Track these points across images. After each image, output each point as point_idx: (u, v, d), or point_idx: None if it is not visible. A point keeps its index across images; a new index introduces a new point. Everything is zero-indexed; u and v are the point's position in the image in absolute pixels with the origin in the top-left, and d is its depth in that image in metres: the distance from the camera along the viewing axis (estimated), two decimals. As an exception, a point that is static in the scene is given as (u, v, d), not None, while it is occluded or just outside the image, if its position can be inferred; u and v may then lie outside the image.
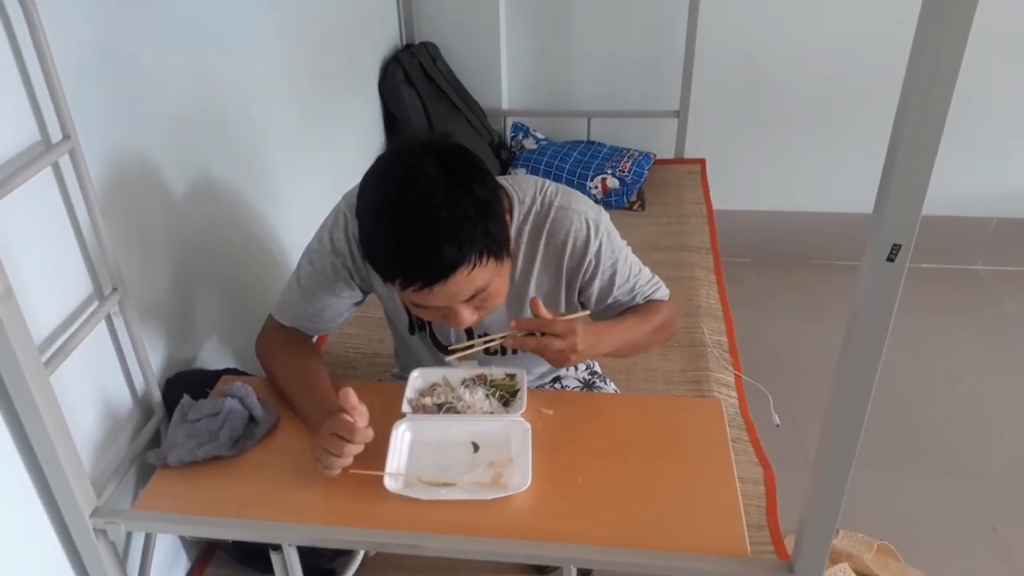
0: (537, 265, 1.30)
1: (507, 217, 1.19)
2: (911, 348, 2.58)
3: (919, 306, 2.77)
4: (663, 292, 1.41)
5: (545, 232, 1.27)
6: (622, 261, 1.32)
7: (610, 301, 1.35)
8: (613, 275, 1.32)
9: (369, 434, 1.10)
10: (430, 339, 1.42)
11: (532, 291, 1.32)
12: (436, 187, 1.04)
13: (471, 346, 1.26)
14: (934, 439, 2.29)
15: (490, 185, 1.12)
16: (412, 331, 1.42)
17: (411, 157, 1.09)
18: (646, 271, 1.39)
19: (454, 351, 1.25)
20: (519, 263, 1.30)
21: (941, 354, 2.65)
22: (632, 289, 1.36)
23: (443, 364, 1.42)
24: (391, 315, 1.44)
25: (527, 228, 1.28)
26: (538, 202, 1.28)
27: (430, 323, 1.40)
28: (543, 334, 1.18)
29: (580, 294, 1.35)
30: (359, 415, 1.10)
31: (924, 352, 2.62)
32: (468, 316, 1.16)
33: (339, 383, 1.27)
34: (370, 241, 1.11)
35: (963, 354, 2.66)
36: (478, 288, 1.12)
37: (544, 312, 1.18)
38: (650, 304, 1.38)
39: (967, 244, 3.10)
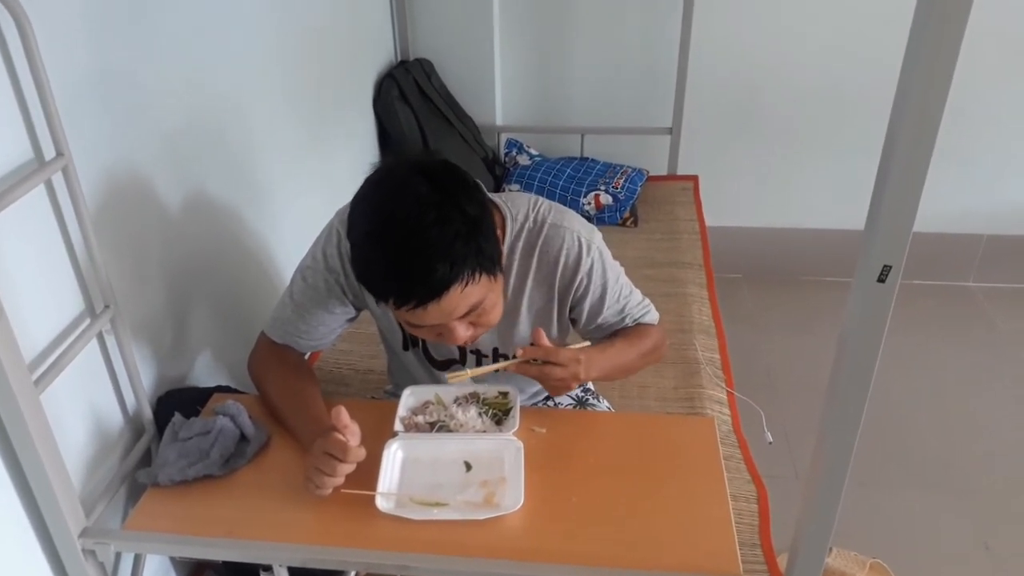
0: (529, 282, 1.30)
1: (499, 232, 1.19)
2: (902, 364, 2.59)
3: (910, 323, 2.77)
4: (653, 316, 1.41)
5: (538, 249, 1.27)
6: (613, 282, 1.32)
7: (599, 321, 1.35)
8: (604, 295, 1.31)
9: (361, 453, 1.10)
10: (424, 355, 1.42)
11: (524, 308, 1.32)
12: (426, 205, 1.04)
13: (468, 372, 1.25)
14: (926, 456, 2.29)
15: (480, 200, 1.12)
16: (406, 347, 1.42)
17: (399, 177, 1.09)
18: (637, 293, 1.39)
19: (454, 376, 1.23)
20: (511, 280, 1.29)
21: (932, 370, 2.66)
22: (622, 311, 1.36)
23: (437, 380, 1.43)
24: (385, 332, 1.44)
25: (519, 245, 1.28)
26: (531, 219, 1.28)
27: (424, 349, 1.40)
28: (544, 362, 1.19)
29: (571, 312, 1.35)
30: (351, 434, 1.10)
31: (915, 368, 2.63)
32: (463, 333, 1.16)
33: (332, 401, 1.27)
34: (362, 263, 1.11)
35: (954, 370, 2.67)
36: (472, 305, 1.12)
37: (546, 341, 1.19)
38: (639, 328, 1.38)
39: (958, 261, 3.12)
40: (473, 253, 1.07)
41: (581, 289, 1.30)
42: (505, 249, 1.26)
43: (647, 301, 1.41)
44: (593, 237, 1.29)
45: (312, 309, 1.32)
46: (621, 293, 1.34)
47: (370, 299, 1.29)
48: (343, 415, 1.09)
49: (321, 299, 1.31)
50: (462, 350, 1.39)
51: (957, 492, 2.16)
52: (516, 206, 1.29)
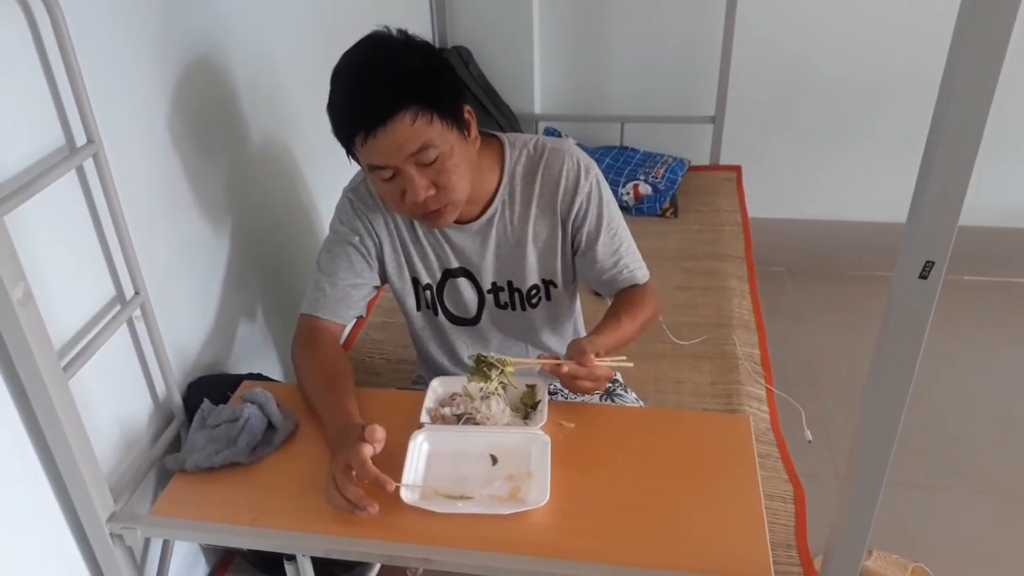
0: (533, 209, 1.35)
1: (496, 160, 1.33)
2: (949, 362, 2.51)
3: (957, 319, 2.69)
4: (645, 272, 1.43)
5: (539, 173, 1.33)
6: (609, 215, 1.36)
7: (596, 252, 1.37)
8: (600, 225, 1.35)
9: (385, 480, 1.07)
10: (441, 310, 1.45)
11: (531, 239, 1.37)
12: (388, 46, 1.17)
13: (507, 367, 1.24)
14: (973, 457, 2.21)
15: (444, 62, 1.22)
16: (419, 307, 1.46)
17: (378, 31, 1.20)
18: (633, 243, 1.41)
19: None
20: (516, 207, 1.35)
21: (981, 369, 2.57)
22: (616, 252, 1.38)
23: (452, 347, 1.49)
24: (400, 294, 1.46)
25: (519, 170, 1.34)
26: (530, 146, 1.35)
27: (437, 299, 1.43)
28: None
29: (574, 242, 1.38)
30: (377, 442, 1.09)
31: (963, 367, 2.54)
32: (422, 185, 1.18)
33: (363, 391, 1.29)
34: (330, 101, 1.20)
35: (1004, 369, 2.58)
36: (424, 144, 1.15)
37: (592, 361, 1.19)
38: (636, 299, 1.39)
39: (1009, 256, 3.01)
40: (421, 87, 1.14)
41: (581, 213, 1.34)
42: (505, 176, 1.33)
43: (640, 257, 1.43)
44: (592, 164, 1.35)
45: (340, 273, 1.36)
46: (619, 232, 1.38)
47: (388, 259, 1.38)
48: (378, 432, 1.09)
49: (346, 261, 1.37)
50: (480, 291, 1.41)
51: (1005, 495, 2.09)
52: (515, 137, 1.37)
